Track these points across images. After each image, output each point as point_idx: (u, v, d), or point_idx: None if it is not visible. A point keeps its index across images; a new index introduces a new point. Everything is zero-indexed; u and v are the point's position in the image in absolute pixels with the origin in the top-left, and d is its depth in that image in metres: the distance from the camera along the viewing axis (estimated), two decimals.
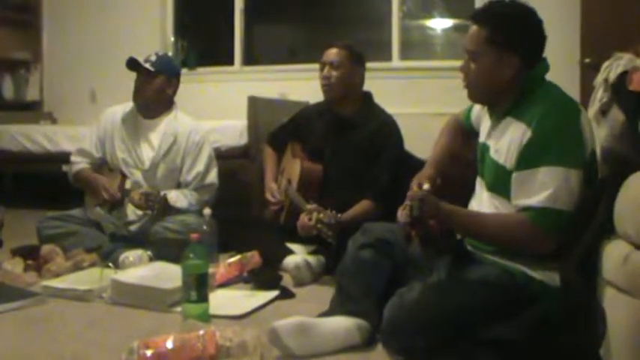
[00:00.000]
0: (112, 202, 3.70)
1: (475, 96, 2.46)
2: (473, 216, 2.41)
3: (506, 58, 2.29)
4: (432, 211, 2.26)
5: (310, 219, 3.02)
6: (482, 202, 2.43)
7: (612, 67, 2.55)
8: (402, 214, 2.38)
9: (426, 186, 2.42)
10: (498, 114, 2.38)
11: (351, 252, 2.59)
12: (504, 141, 2.31)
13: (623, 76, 2.40)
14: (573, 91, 4.23)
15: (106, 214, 3.77)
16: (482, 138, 2.51)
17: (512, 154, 2.25)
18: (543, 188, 2.15)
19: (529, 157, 2.21)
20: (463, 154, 2.69)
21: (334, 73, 3.64)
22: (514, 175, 2.25)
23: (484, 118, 2.54)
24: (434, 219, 2.31)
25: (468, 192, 2.56)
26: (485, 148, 2.43)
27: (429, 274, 2.42)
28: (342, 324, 2.33)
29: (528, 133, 2.21)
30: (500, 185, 2.32)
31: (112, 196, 3.67)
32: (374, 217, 3.29)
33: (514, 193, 2.25)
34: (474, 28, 2.35)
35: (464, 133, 2.75)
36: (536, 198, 2.16)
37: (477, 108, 2.67)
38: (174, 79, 3.91)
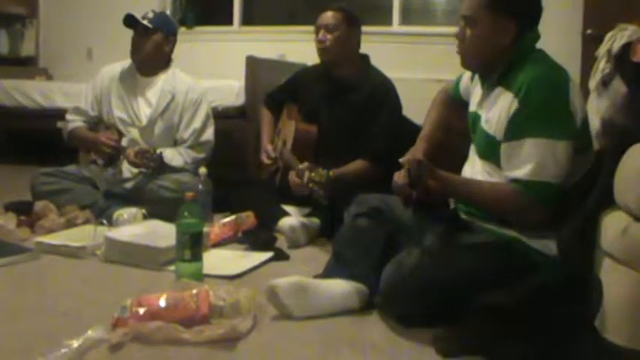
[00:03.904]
0: (115, 153, 3.68)
1: (469, 63, 2.43)
2: (467, 184, 2.39)
3: (503, 25, 2.27)
4: (430, 173, 2.25)
5: (302, 177, 3.00)
6: (476, 167, 2.42)
7: (616, 38, 2.53)
8: (399, 175, 2.37)
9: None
10: (489, 83, 2.37)
11: (347, 222, 2.61)
12: (494, 111, 2.29)
13: (627, 47, 2.38)
14: (575, 62, 4.23)
15: (101, 171, 3.76)
16: (473, 107, 2.49)
17: (502, 125, 2.24)
18: (528, 161, 2.15)
19: (515, 129, 2.19)
20: (455, 124, 2.68)
21: (330, 36, 3.61)
22: (502, 146, 2.24)
23: (475, 87, 2.52)
24: (431, 179, 2.30)
25: (461, 161, 2.55)
26: (477, 117, 2.41)
27: (422, 241, 2.41)
28: (341, 287, 2.33)
29: (515, 104, 2.19)
30: (491, 154, 2.31)
31: (113, 146, 3.67)
32: (368, 178, 3.30)
33: (503, 164, 2.25)
34: None
35: (454, 104, 2.73)
36: (522, 170, 2.16)
37: (465, 80, 2.67)
38: (171, 36, 3.90)
